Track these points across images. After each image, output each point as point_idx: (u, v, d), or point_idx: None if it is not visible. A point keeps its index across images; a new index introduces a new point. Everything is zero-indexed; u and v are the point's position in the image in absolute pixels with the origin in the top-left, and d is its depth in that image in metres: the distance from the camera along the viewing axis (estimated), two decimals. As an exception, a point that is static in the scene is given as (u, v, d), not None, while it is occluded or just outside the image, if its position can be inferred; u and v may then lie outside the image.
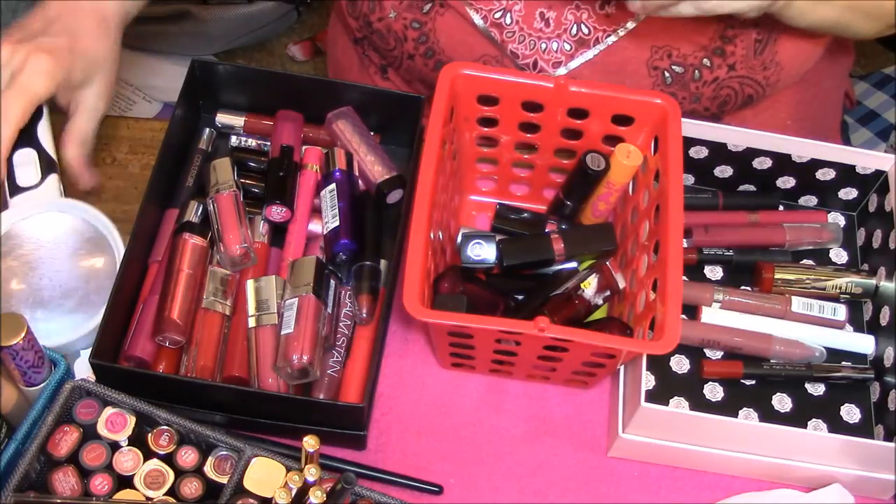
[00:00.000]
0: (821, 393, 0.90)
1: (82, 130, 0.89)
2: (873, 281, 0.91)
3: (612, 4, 0.90)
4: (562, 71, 0.92)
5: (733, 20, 0.89)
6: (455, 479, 0.85)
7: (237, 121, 0.96)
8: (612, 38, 0.90)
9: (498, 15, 0.91)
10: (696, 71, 0.90)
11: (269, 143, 0.94)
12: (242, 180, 0.90)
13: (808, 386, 0.90)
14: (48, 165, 0.92)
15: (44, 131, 0.94)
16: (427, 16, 0.92)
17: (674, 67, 0.90)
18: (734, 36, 0.90)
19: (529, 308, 0.84)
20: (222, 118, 0.96)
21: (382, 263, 0.88)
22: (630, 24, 0.90)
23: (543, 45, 0.91)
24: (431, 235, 0.80)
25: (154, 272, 0.87)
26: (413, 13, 0.93)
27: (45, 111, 0.95)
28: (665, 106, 0.84)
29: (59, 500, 0.74)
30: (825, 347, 0.90)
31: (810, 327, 0.91)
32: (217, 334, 0.83)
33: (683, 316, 0.90)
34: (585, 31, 0.90)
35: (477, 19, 0.90)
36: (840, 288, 0.91)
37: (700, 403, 0.89)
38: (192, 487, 0.76)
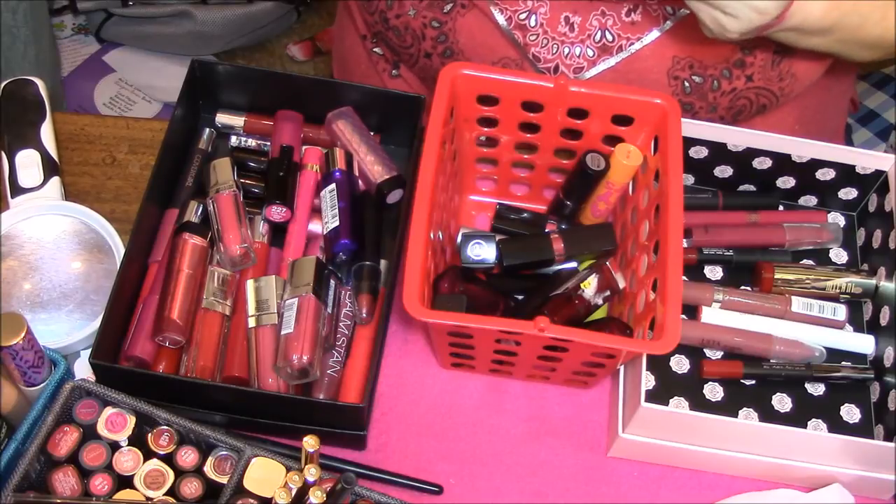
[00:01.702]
0: (821, 393, 0.90)
1: None
2: (873, 281, 0.91)
3: (639, 12, 0.89)
4: (583, 76, 0.92)
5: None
6: (455, 479, 0.85)
7: (237, 121, 0.96)
8: (636, 47, 0.89)
9: (523, 16, 0.90)
10: (715, 81, 0.90)
11: (269, 143, 0.94)
12: (242, 180, 0.90)
13: (808, 386, 0.90)
14: (50, 168, 0.93)
15: (47, 133, 0.94)
16: (448, 15, 0.91)
17: (694, 78, 0.89)
18: (754, 47, 0.90)
19: (529, 308, 0.84)
20: (222, 118, 0.96)
21: (382, 263, 0.88)
22: (655, 34, 0.89)
23: (566, 50, 0.90)
24: (431, 235, 0.80)
25: (154, 272, 0.87)
26: (433, 12, 0.92)
27: (49, 113, 0.95)
28: (665, 106, 0.84)
29: (59, 500, 0.74)
30: (825, 347, 0.90)
31: (810, 327, 0.90)
32: (217, 334, 0.83)
33: (683, 316, 0.90)
34: (609, 37, 0.89)
35: (501, 20, 0.89)
36: (840, 288, 0.91)
37: (700, 403, 0.89)
38: (192, 487, 0.76)
